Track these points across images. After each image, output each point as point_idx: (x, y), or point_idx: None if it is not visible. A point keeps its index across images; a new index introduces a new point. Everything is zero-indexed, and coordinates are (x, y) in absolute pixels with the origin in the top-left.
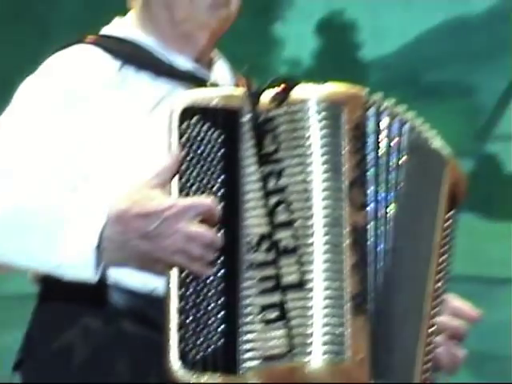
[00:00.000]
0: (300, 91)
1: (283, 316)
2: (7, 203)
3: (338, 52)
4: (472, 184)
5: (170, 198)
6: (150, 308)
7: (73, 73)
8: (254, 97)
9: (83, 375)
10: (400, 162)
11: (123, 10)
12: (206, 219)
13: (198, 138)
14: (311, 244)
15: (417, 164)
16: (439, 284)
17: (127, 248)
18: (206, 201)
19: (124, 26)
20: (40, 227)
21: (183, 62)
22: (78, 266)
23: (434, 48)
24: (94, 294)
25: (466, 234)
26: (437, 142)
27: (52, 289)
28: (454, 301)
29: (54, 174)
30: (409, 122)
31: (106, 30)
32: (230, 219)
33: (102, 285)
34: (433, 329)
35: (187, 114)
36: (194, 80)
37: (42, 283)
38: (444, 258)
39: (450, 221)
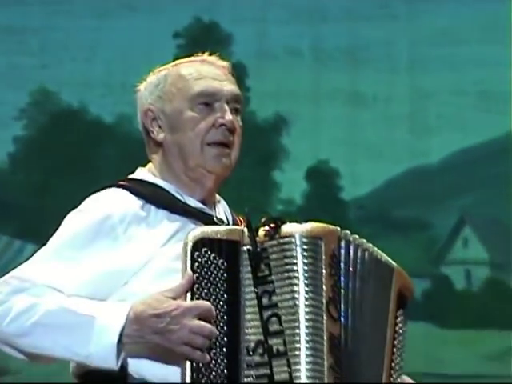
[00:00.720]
0: (288, 228)
1: None
2: (51, 305)
3: (323, 193)
4: (429, 299)
5: (174, 302)
6: None
7: (104, 209)
8: (252, 232)
9: None
10: (360, 282)
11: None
12: (204, 318)
13: (207, 265)
14: (298, 349)
15: (373, 277)
16: (393, 374)
17: (143, 342)
18: (205, 303)
19: (146, 173)
20: (74, 326)
21: (193, 202)
22: (103, 358)
23: (399, 191)
24: None
25: (424, 339)
26: (387, 258)
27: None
28: (408, 380)
29: (89, 286)
30: (368, 249)
31: (132, 176)
32: (232, 329)
33: (124, 377)
34: None
35: (198, 245)
36: (202, 216)
37: (81, 378)
38: (397, 349)
39: (400, 318)
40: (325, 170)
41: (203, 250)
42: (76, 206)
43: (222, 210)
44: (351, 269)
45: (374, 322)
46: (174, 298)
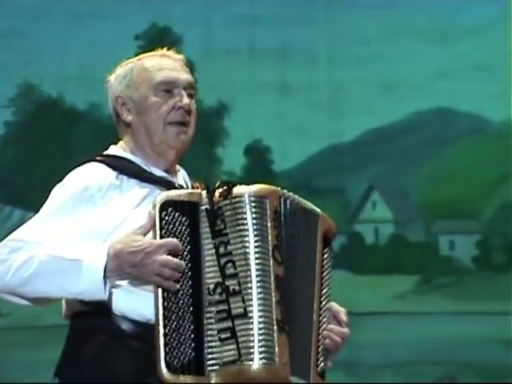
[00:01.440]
0: (238, 189)
1: (233, 335)
2: (43, 257)
3: (258, 166)
4: (344, 252)
5: (147, 240)
6: (146, 332)
7: (84, 180)
8: (210, 193)
9: (99, 372)
10: (295, 230)
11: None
12: (173, 254)
13: (172, 222)
14: (250, 288)
15: (303, 225)
16: (323, 301)
17: (123, 274)
18: (173, 240)
19: (118, 149)
20: (65, 270)
21: (158, 172)
22: (93, 292)
23: (320, 164)
24: (107, 322)
25: (341, 284)
26: (313, 207)
27: (78, 321)
28: (335, 307)
29: (73, 239)
30: (299, 202)
31: (106, 152)
32: (194, 274)
33: (110, 315)
34: (321, 331)
35: (165, 206)
36: (166, 184)
37: (71, 319)
38: (325, 281)
39: (326, 255)
40: (259, 147)
41: (169, 209)
42: (55, 178)
43: (181, 177)
44: (288, 220)
45: (306, 261)
46: (144, 234)
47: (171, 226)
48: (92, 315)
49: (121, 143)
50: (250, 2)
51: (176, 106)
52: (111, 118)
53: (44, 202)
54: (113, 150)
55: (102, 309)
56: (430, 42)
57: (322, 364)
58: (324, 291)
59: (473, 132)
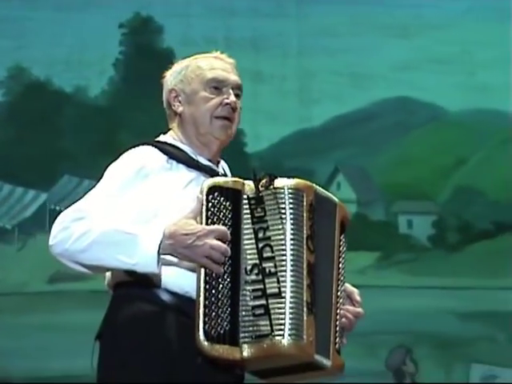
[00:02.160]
0: (279, 182)
1: (267, 312)
2: (104, 228)
3: (232, 148)
4: None
5: (199, 225)
6: (183, 303)
7: (140, 161)
8: (256, 182)
9: (138, 337)
10: (321, 220)
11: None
12: (221, 239)
13: (217, 205)
14: (285, 270)
15: (326, 214)
16: (340, 283)
17: (175, 253)
18: (222, 227)
19: (167, 137)
20: (124, 242)
21: (203, 160)
22: (147, 264)
23: (290, 147)
24: (148, 292)
25: None
26: (332, 196)
27: (121, 291)
28: (349, 288)
29: (129, 216)
30: (325, 194)
31: (157, 139)
32: (233, 254)
33: (151, 286)
34: (339, 312)
35: (211, 190)
36: (210, 171)
37: (114, 288)
38: (342, 264)
39: (342, 240)
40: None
41: (215, 194)
42: (42, 155)
43: (221, 168)
44: (319, 212)
45: (328, 247)
46: (194, 217)
47: (216, 209)
48: (135, 285)
49: (170, 132)
50: None
51: (223, 103)
52: (96, 100)
53: (33, 176)
54: (162, 138)
55: (144, 280)
56: (393, 36)
57: (339, 342)
58: (341, 274)
59: (431, 120)
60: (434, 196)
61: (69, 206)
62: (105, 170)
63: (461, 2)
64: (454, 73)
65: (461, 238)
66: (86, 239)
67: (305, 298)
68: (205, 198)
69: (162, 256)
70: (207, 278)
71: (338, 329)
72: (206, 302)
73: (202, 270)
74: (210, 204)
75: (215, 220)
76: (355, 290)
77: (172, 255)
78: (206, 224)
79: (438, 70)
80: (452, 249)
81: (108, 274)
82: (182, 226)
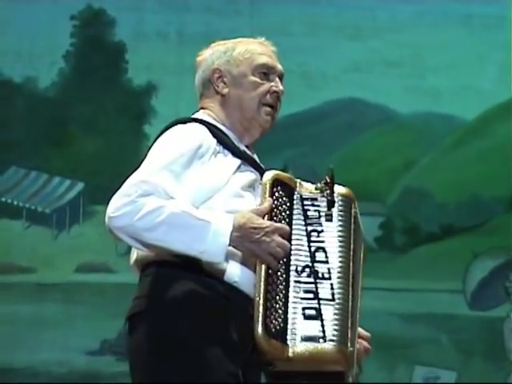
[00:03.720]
0: (334, 188)
1: (318, 316)
2: (175, 209)
3: None
4: None
5: (267, 221)
6: (227, 290)
7: (198, 138)
8: (332, 184)
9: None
10: (358, 235)
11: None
12: (284, 237)
13: (279, 199)
14: (339, 277)
15: (359, 229)
16: (359, 305)
17: (241, 247)
18: (287, 227)
19: (207, 117)
20: (195, 227)
21: (242, 147)
22: (215, 254)
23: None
24: (193, 275)
25: None
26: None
27: (162, 270)
28: None
29: (190, 195)
30: (358, 212)
31: (199, 117)
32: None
33: (195, 270)
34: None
35: (275, 183)
36: (252, 161)
37: (141, 267)
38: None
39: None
40: None
41: (278, 187)
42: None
43: (256, 157)
44: (357, 230)
45: (357, 266)
46: (261, 215)
47: (278, 203)
48: (179, 267)
49: (208, 111)
50: None
51: (271, 90)
52: (45, 92)
53: None
54: (202, 116)
55: (189, 263)
56: (346, 37)
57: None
58: (359, 305)
59: (381, 122)
60: (382, 197)
61: (15, 196)
62: (52, 160)
63: (413, 6)
64: (405, 76)
65: (407, 240)
66: (156, 218)
67: (349, 308)
68: (269, 190)
69: (231, 247)
70: (269, 272)
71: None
72: (268, 296)
73: (264, 265)
74: (274, 197)
75: (278, 214)
76: (360, 330)
77: (236, 248)
78: (271, 218)
79: (389, 72)
80: (398, 251)
81: (139, 251)
82: (252, 220)
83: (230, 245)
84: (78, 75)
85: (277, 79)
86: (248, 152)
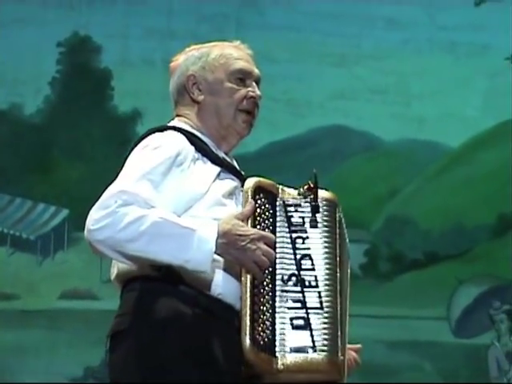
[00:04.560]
0: (317, 191)
1: (307, 325)
2: (157, 218)
3: None
4: None
5: (252, 228)
6: (215, 305)
7: (176, 146)
8: (316, 189)
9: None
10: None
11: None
12: (269, 245)
13: (261, 207)
14: (326, 285)
15: (343, 236)
16: (347, 312)
17: (226, 254)
18: (271, 235)
19: (186, 125)
20: (179, 235)
21: (221, 155)
22: (200, 262)
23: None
24: (175, 289)
25: None
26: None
27: (144, 285)
28: None
29: (170, 205)
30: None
31: (174, 124)
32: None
33: (176, 282)
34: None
35: (256, 191)
36: (231, 168)
37: (123, 283)
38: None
39: (349, 268)
40: None
41: (260, 194)
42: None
43: (235, 163)
44: (342, 234)
45: (344, 272)
46: (242, 220)
47: (260, 211)
48: (162, 281)
49: (184, 119)
50: (166, 17)
51: (248, 96)
52: (31, 118)
53: None
54: (178, 124)
55: (172, 277)
56: (331, 65)
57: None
58: (346, 305)
59: (366, 149)
60: (366, 225)
61: (0, 223)
62: (37, 186)
63: (398, 34)
64: (390, 103)
65: (392, 268)
66: (137, 228)
67: (338, 316)
68: (250, 197)
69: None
70: (255, 283)
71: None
72: (255, 308)
73: (249, 282)
74: (257, 204)
75: (261, 222)
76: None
77: (221, 255)
78: (254, 226)
79: (374, 99)
80: (383, 278)
81: (119, 265)
82: (236, 226)
83: (215, 252)
84: (63, 102)
85: (253, 84)
86: (227, 159)
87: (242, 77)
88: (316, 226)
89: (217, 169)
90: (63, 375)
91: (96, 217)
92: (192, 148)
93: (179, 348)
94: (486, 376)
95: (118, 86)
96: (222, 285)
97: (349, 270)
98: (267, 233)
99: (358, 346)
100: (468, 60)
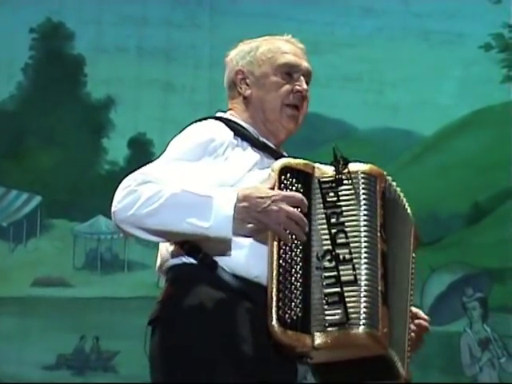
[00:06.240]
0: (353, 166)
1: (341, 300)
2: (173, 190)
3: (140, 158)
4: None
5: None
6: (250, 288)
7: (209, 133)
8: (338, 163)
9: (202, 323)
10: (393, 216)
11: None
12: (296, 206)
13: (289, 187)
14: (361, 258)
15: (399, 218)
16: (412, 287)
17: (248, 217)
18: (299, 194)
19: (229, 116)
20: (196, 204)
21: (268, 142)
22: (221, 228)
23: None
24: (213, 275)
25: None
26: (409, 212)
27: (181, 273)
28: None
29: (198, 182)
30: (399, 193)
31: (219, 115)
32: (306, 238)
33: (215, 269)
34: (410, 322)
35: (283, 171)
36: (275, 154)
37: (170, 269)
38: (412, 283)
39: (414, 259)
40: (143, 140)
41: (288, 175)
42: None
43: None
44: (391, 205)
45: (400, 250)
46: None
47: (288, 191)
48: (199, 268)
49: (231, 112)
50: (140, 4)
51: (294, 90)
52: (3, 105)
53: None
54: (227, 116)
55: (209, 263)
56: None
57: (409, 356)
58: (412, 290)
59: (340, 137)
60: None
61: None
62: (10, 173)
63: (372, 21)
64: (364, 91)
65: None
66: (155, 202)
67: (380, 288)
68: (277, 178)
69: (238, 220)
70: (280, 262)
71: (409, 338)
72: (280, 286)
73: (275, 252)
74: (283, 185)
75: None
76: (419, 310)
77: (245, 220)
78: None
79: (347, 87)
80: None
81: (162, 254)
82: (257, 189)
83: (236, 217)
84: (36, 88)
85: (301, 78)
86: (271, 145)
87: (289, 71)
88: (353, 200)
89: (256, 156)
90: (36, 363)
91: (118, 198)
92: (231, 133)
93: (211, 335)
94: (459, 363)
95: (92, 73)
96: (257, 267)
97: (409, 236)
98: (293, 193)
99: (425, 317)
100: (442, 48)
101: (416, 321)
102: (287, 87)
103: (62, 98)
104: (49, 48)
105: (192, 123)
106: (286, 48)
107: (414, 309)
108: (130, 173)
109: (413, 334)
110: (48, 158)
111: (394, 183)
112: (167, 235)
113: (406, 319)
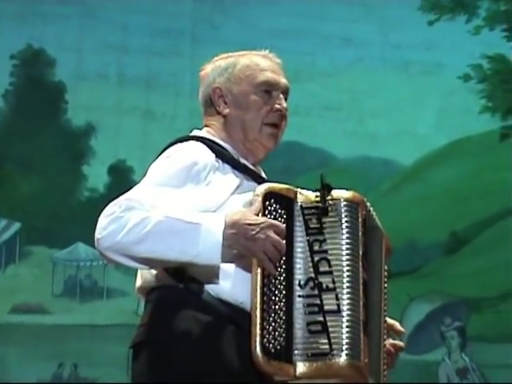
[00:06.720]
0: (335, 193)
1: (325, 330)
2: (160, 217)
3: (120, 185)
4: None
5: (260, 217)
6: (236, 313)
7: (192, 156)
8: (322, 193)
9: (188, 345)
10: (372, 243)
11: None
12: (279, 235)
13: (273, 212)
14: (343, 287)
15: (375, 238)
16: (385, 313)
17: (236, 244)
18: (281, 224)
19: (206, 134)
20: (184, 231)
21: (244, 161)
22: (209, 255)
23: None
24: (197, 299)
25: None
26: (380, 224)
27: (164, 295)
28: (389, 320)
29: (183, 208)
30: (373, 215)
31: (196, 134)
32: (289, 266)
33: (198, 293)
34: (384, 344)
35: (267, 195)
36: (256, 176)
37: (147, 294)
38: (385, 296)
39: (386, 271)
40: (123, 167)
41: (271, 200)
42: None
43: (263, 175)
44: (369, 231)
45: (375, 272)
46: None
47: (272, 217)
48: (182, 291)
49: (208, 129)
50: (121, 31)
51: (274, 109)
52: None
53: None
54: (206, 134)
55: (193, 285)
56: None
57: (386, 374)
58: (386, 300)
59: (319, 166)
60: None
61: None
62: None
63: (352, 51)
64: (344, 120)
65: None
66: (142, 229)
67: (361, 318)
68: (261, 203)
69: (226, 247)
70: (264, 289)
71: (385, 356)
72: (264, 314)
73: (259, 280)
74: (267, 211)
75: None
76: (395, 322)
77: (233, 247)
78: None
79: (327, 116)
80: None
81: (144, 275)
82: (245, 215)
83: (224, 244)
84: (16, 114)
85: (280, 96)
86: (251, 167)
87: (268, 89)
88: (335, 228)
89: (237, 180)
90: None
91: (102, 225)
92: (212, 156)
93: (198, 359)
94: None
95: (72, 100)
96: (242, 293)
97: (383, 264)
98: (276, 222)
99: (401, 344)
100: (421, 78)
101: (391, 341)
102: (267, 106)
103: (43, 124)
104: (29, 74)
105: (171, 144)
106: (264, 64)
107: (390, 320)
108: (111, 200)
109: (386, 356)
110: (27, 184)
111: (372, 209)
112: (154, 263)
113: (380, 345)
